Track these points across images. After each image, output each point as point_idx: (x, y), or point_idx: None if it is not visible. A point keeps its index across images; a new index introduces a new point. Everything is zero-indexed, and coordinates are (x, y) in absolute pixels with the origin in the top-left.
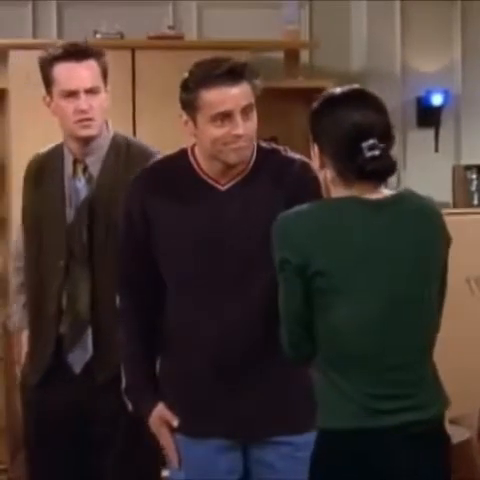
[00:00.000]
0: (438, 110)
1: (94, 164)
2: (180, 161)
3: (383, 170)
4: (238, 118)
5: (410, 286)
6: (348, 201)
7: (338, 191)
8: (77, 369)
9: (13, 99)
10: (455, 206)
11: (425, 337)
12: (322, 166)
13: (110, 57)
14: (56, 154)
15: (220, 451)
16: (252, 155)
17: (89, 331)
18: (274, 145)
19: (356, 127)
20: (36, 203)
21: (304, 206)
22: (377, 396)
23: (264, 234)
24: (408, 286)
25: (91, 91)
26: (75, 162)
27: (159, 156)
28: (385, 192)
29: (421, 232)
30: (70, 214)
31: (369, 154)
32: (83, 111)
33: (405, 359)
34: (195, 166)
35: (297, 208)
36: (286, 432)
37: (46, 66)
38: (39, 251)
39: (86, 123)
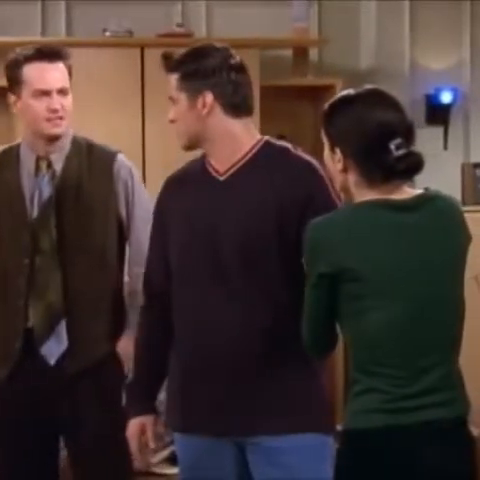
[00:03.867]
0: (447, 108)
1: (58, 161)
2: (199, 162)
3: (413, 168)
4: None
5: (440, 287)
6: (376, 204)
7: (362, 194)
8: (52, 361)
9: None
10: (464, 204)
11: (452, 337)
12: (344, 170)
13: (119, 55)
14: (10, 155)
15: (213, 450)
16: (252, 147)
17: (63, 323)
18: (284, 143)
19: (382, 126)
20: None
21: (332, 214)
22: (404, 395)
23: (260, 228)
24: (438, 287)
25: (62, 91)
26: (38, 159)
27: (120, 154)
28: (410, 191)
29: (449, 233)
30: (33, 211)
31: (398, 153)
32: (55, 110)
33: (433, 359)
34: (206, 162)
35: (326, 216)
36: (279, 432)
37: (16, 66)
38: (0, 250)
39: (57, 122)
